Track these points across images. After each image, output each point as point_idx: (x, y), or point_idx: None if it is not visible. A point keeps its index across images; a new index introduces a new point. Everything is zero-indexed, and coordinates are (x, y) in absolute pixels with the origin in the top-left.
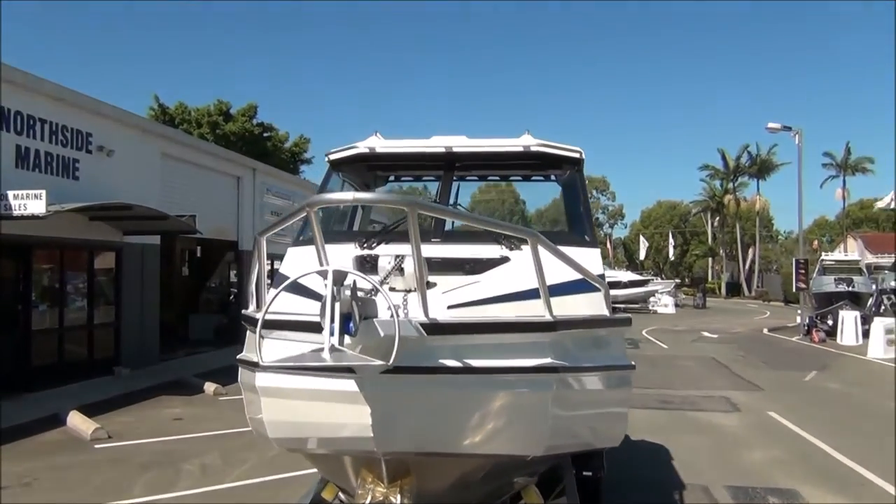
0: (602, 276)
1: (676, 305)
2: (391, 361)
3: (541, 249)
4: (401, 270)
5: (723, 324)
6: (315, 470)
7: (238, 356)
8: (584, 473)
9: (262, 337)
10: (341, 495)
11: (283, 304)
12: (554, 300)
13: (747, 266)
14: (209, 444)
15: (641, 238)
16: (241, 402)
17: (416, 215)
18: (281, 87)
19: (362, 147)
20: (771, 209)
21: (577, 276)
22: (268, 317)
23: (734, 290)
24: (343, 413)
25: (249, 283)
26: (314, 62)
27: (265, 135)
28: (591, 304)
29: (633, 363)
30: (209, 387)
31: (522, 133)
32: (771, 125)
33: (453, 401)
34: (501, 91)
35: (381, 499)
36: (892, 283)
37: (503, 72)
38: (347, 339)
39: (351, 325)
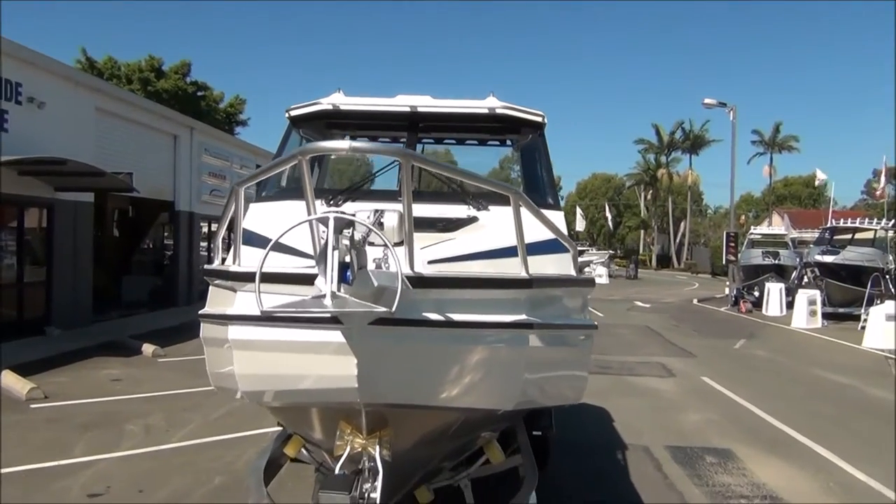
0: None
1: (610, 276)
2: (394, 308)
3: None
4: (380, 225)
5: (654, 294)
6: (264, 430)
7: (201, 311)
8: (534, 433)
9: (260, 289)
10: (304, 450)
11: (255, 260)
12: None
13: (677, 239)
14: (151, 404)
15: (578, 209)
16: (182, 363)
17: (409, 166)
18: (216, 45)
19: (325, 103)
20: (702, 184)
21: (547, 236)
22: (241, 270)
23: (664, 261)
24: (325, 364)
25: (217, 238)
26: (252, 19)
27: (199, 94)
28: (560, 265)
29: (595, 323)
30: (147, 348)
31: (486, 96)
32: (707, 101)
33: (434, 353)
34: (434, 55)
35: (359, 450)
36: (815, 257)
37: (439, 37)
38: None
39: (348, 273)
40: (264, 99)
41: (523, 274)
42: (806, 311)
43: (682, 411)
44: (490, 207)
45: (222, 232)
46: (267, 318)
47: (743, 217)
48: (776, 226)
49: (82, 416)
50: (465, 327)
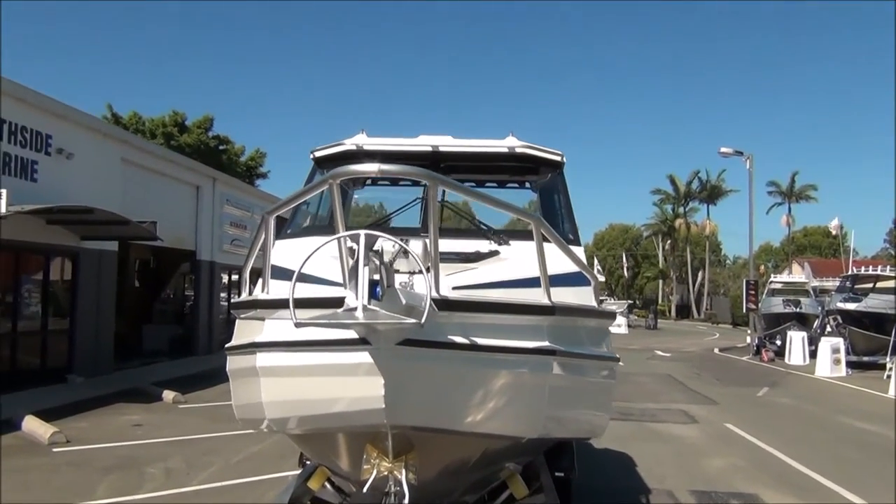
0: None
1: (629, 326)
2: (423, 320)
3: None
4: (405, 253)
5: (675, 343)
6: (284, 473)
7: (227, 345)
8: (556, 474)
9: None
10: (328, 485)
11: (281, 291)
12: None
13: (696, 289)
14: (171, 449)
15: (595, 260)
16: (202, 409)
17: (436, 189)
18: (237, 100)
19: (349, 144)
20: (720, 234)
21: (568, 269)
22: (270, 297)
23: (684, 312)
24: (352, 386)
25: (244, 271)
26: (272, 73)
27: (221, 147)
28: (581, 297)
29: (617, 356)
30: (168, 395)
31: (506, 136)
32: (723, 150)
33: (458, 376)
34: (452, 99)
35: (385, 473)
36: (838, 305)
37: (457, 82)
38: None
39: (378, 290)
40: (285, 151)
41: (546, 301)
42: (830, 360)
43: (706, 457)
44: (511, 242)
45: (250, 264)
46: (297, 343)
47: (763, 267)
48: (796, 274)
49: (104, 460)
50: (489, 351)
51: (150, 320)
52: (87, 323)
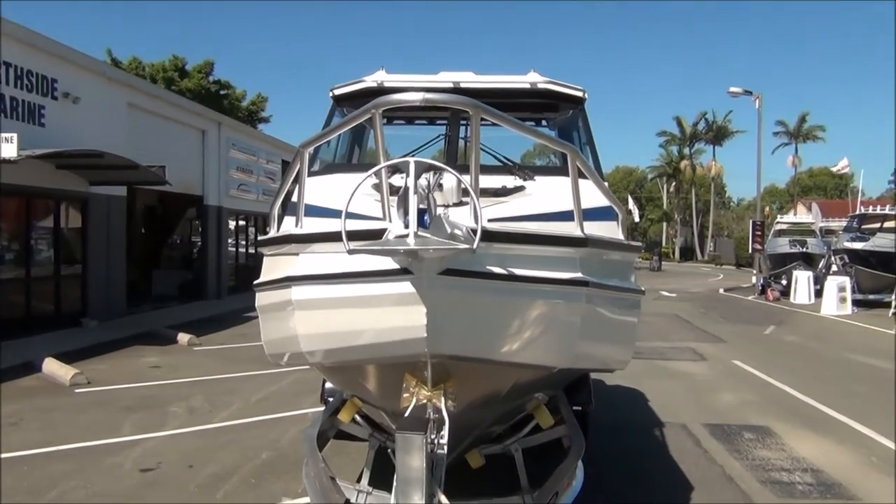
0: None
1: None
2: (475, 246)
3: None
4: (440, 186)
5: (680, 284)
6: (304, 410)
7: (256, 281)
8: (574, 408)
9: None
10: (357, 416)
11: (315, 227)
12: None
13: (699, 231)
14: (191, 389)
15: None
16: (217, 351)
17: (478, 118)
18: (238, 44)
19: (369, 81)
20: (725, 176)
21: (595, 204)
22: (306, 231)
23: (688, 254)
24: (393, 316)
25: (273, 208)
26: (273, 17)
27: (222, 92)
28: (610, 230)
29: (643, 289)
30: (183, 337)
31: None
32: (733, 89)
33: (496, 306)
34: (464, 41)
35: (424, 401)
36: (845, 244)
37: (469, 25)
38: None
39: (426, 218)
40: (285, 96)
41: (578, 233)
42: (836, 298)
43: (716, 392)
44: (536, 178)
45: (280, 200)
46: (334, 276)
47: (767, 208)
48: (802, 215)
49: (126, 400)
50: (525, 282)
51: (157, 266)
52: (99, 267)
